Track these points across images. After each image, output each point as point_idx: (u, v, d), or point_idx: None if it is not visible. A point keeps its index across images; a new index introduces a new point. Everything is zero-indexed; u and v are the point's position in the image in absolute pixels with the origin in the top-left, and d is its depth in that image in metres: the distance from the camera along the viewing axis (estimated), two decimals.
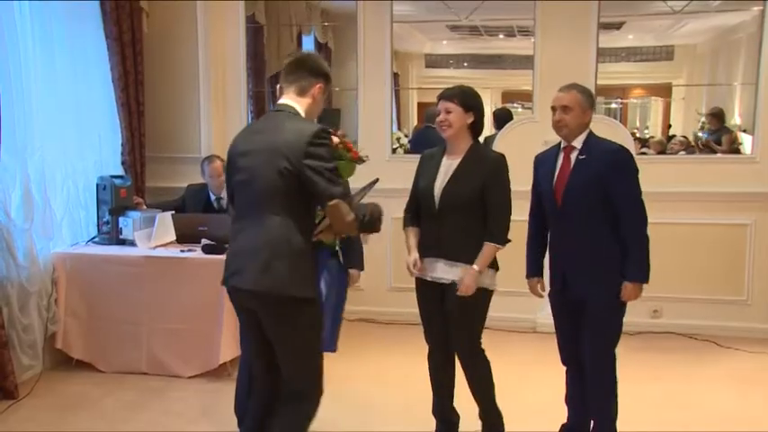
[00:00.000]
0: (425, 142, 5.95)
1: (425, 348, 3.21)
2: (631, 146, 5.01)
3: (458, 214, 3.02)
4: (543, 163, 3.15)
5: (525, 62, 5.37)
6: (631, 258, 2.94)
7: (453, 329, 3.08)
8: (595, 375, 3.06)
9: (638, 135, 6.98)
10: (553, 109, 3.04)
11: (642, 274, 2.96)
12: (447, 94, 3.06)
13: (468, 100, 3.05)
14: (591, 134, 3.05)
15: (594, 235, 2.99)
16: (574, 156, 3.02)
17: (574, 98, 2.99)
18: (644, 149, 6.24)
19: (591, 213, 2.97)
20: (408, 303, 5.35)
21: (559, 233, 3.10)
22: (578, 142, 3.01)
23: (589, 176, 2.96)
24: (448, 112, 3.04)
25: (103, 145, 4.78)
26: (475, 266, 2.99)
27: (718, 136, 5.99)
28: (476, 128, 3.10)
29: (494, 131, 5.68)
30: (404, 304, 5.27)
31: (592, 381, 3.07)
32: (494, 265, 3.07)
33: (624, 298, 2.96)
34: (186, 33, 5.24)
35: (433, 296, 3.11)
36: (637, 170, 2.98)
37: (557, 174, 3.05)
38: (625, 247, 2.95)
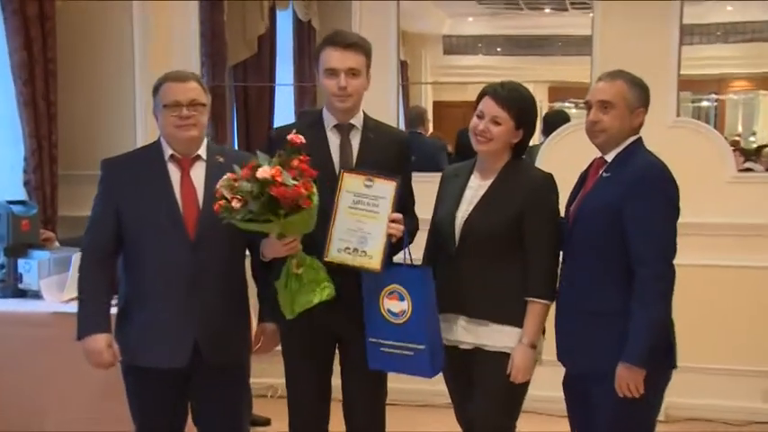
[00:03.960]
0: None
1: None
2: (731, 159, 5.01)
3: (484, 254, 3.03)
4: (580, 178, 3.17)
5: (581, 45, 5.43)
6: (631, 329, 2.83)
7: (482, 406, 3.10)
8: None
9: (740, 144, 6.97)
10: (587, 105, 3.02)
11: (638, 356, 2.82)
12: (501, 98, 3.02)
13: (524, 115, 3.05)
14: (635, 145, 2.99)
15: (604, 289, 2.93)
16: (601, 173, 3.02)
17: (618, 91, 2.93)
18: (749, 164, 6.21)
19: (601, 255, 2.92)
20: None
21: (563, 274, 3.04)
22: (613, 154, 2.98)
23: (605, 202, 2.92)
24: (495, 122, 3.02)
25: None
26: (524, 339, 2.99)
27: None
28: (519, 147, 3.14)
29: (540, 140, 5.63)
30: None
31: None
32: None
33: (617, 387, 2.84)
34: (116, 5, 5.23)
35: (455, 364, 3.13)
36: (671, 201, 2.90)
37: (580, 194, 3.08)
38: (631, 311, 2.84)
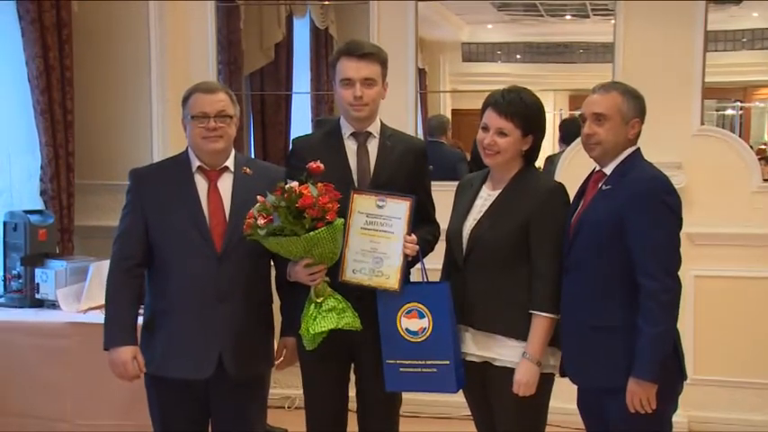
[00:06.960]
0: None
1: None
2: (756, 168, 4.96)
3: (490, 265, 3.02)
4: (578, 191, 3.13)
5: (602, 53, 5.40)
6: (639, 344, 2.82)
7: (502, 423, 3.08)
8: None
9: (766, 153, 6.85)
10: (582, 118, 3.00)
11: (648, 371, 2.81)
12: (504, 109, 3.00)
13: (531, 122, 3.03)
14: (634, 156, 2.98)
15: (605, 303, 2.91)
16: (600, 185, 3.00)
17: (612, 103, 2.92)
18: None
19: (603, 269, 2.90)
20: None
21: (564, 291, 3.00)
22: (612, 167, 2.97)
23: (605, 215, 2.90)
24: (501, 133, 3.00)
25: (15, 168, 4.79)
26: (527, 354, 2.95)
27: None
28: (531, 153, 3.12)
29: (559, 148, 5.62)
30: None
31: None
32: (554, 340, 3.03)
33: (628, 403, 2.84)
34: (133, 13, 5.24)
35: (469, 377, 3.08)
36: (674, 213, 2.89)
37: (579, 208, 3.05)
38: (637, 329, 2.83)
